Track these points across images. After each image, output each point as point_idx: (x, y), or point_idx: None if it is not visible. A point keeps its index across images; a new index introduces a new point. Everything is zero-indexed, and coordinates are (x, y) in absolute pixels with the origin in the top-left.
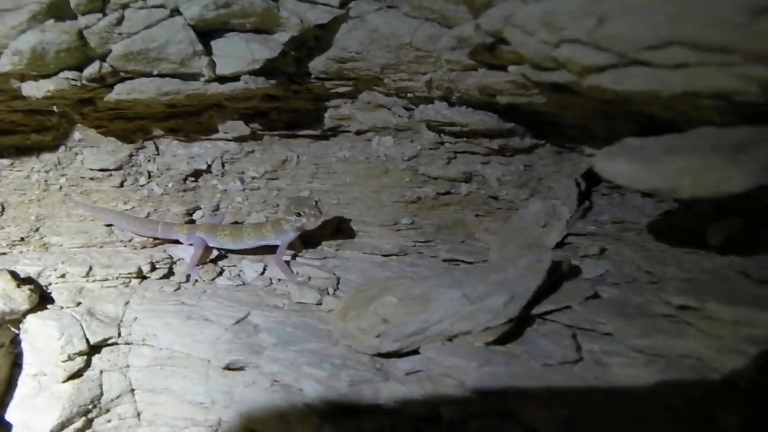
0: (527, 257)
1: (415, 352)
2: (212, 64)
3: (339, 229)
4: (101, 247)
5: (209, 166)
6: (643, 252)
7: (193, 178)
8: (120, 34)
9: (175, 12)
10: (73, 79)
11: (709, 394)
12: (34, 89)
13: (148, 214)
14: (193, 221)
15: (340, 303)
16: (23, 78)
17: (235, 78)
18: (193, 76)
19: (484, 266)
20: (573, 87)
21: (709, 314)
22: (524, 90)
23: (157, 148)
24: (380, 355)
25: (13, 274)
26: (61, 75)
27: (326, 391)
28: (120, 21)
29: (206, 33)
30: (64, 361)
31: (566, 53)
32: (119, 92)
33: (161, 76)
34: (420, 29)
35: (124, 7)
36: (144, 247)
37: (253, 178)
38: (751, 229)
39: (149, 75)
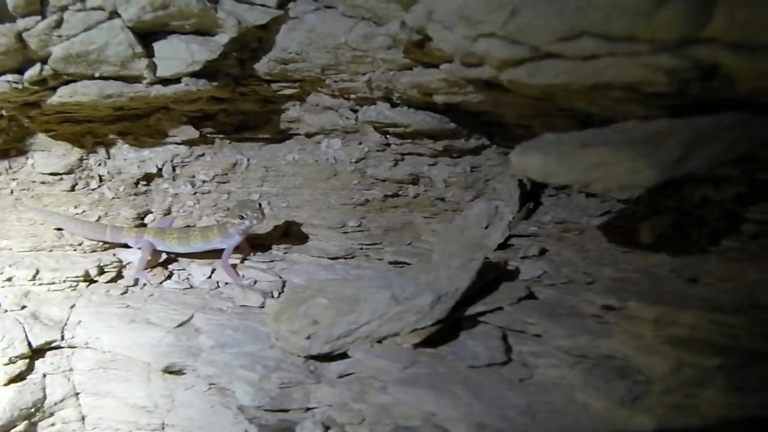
0: (459, 258)
1: (347, 354)
2: (153, 66)
3: (288, 232)
4: (50, 250)
5: (160, 169)
6: (582, 252)
7: (144, 182)
8: (59, 36)
9: (114, 14)
10: (14, 82)
11: (628, 396)
12: None
13: (99, 218)
14: (144, 225)
15: (275, 305)
16: None
17: (176, 80)
18: (136, 79)
19: (416, 267)
20: (497, 82)
21: (631, 313)
22: (457, 88)
23: (107, 152)
24: (312, 357)
25: None
26: (2, 78)
27: (256, 393)
28: (59, 23)
29: (147, 35)
30: (5, 365)
31: (483, 47)
32: (62, 95)
33: (103, 78)
34: (355, 29)
35: (63, 9)
36: (93, 251)
37: (204, 181)
38: (682, 227)
39: (91, 77)
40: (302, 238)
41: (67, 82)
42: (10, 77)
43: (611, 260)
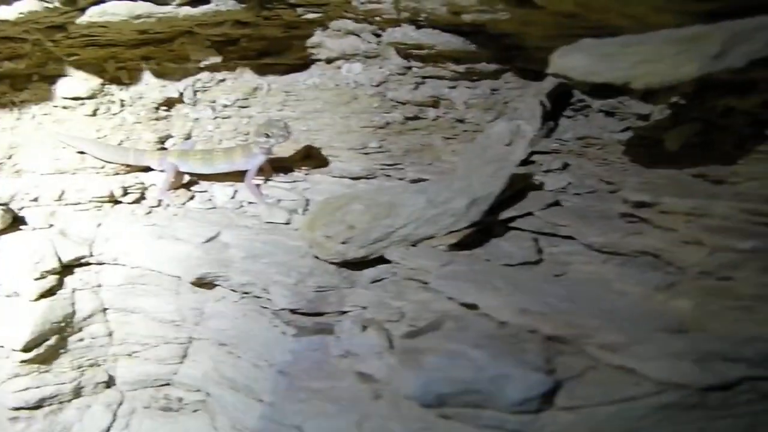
0: (490, 166)
1: (381, 260)
2: None
3: (309, 155)
4: (74, 173)
5: (181, 94)
6: (605, 165)
7: (165, 107)
8: None
9: None
10: (47, 2)
11: (664, 283)
12: (7, 12)
13: (121, 142)
14: (164, 149)
15: (308, 215)
16: None
17: (205, 0)
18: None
19: (448, 176)
20: None
21: (664, 208)
22: (489, 5)
23: (130, 77)
24: (347, 263)
25: None
26: None
27: (293, 296)
28: None
29: None
30: (36, 279)
31: None
32: (91, 15)
33: None
34: None
35: None
36: (116, 174)
37: (225, 106)
38: (707, 135)
39: None
40: (323, 160)
41: (96, 2)
42: None
43: (636, 170)
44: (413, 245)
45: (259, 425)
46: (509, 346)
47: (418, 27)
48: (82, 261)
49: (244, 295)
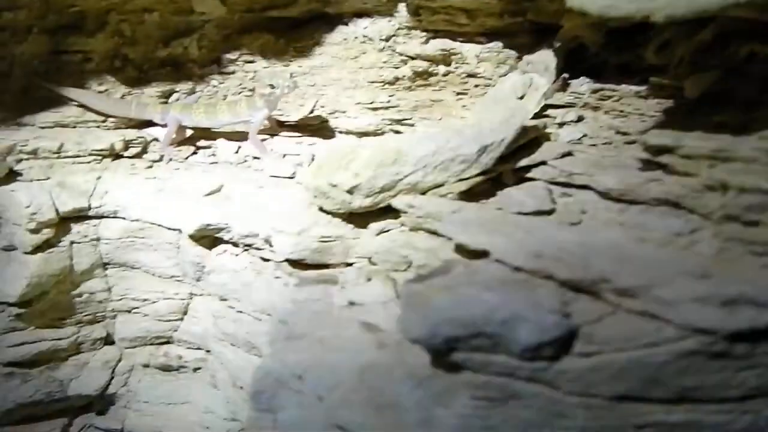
0: (502, 114)
1: (389, 211)
2: None
3: (315, 110)
4: (74, 126)
5: (185, 48)
6: (621, 117)
7: (169, 61)
8: None
9: None
10: None
11: (686, 230)
12: None
13: (123, 96)
14: (167, 102)
15: (313, 164)
16: None
17: None
18: None
19: (458, 125)
20: None
21: (686, 152)
22: None
23: (132, 30)
24: (352, 215)
25: None
26: None
27: (296, 246)
28: None
29: None
30: (32, 231)
31: None
32: None
33: None
34: None
35: None
36: (117, 128)
37: (230, 60)
38: (727, 85)
39: None
40: (330, 115)
41: None
42: None
43: (652, 121)
44: (422, 194)
45: (258, 373)
46: (522, 290)
47: None
48: (81, 214)
49: (246, 247)
